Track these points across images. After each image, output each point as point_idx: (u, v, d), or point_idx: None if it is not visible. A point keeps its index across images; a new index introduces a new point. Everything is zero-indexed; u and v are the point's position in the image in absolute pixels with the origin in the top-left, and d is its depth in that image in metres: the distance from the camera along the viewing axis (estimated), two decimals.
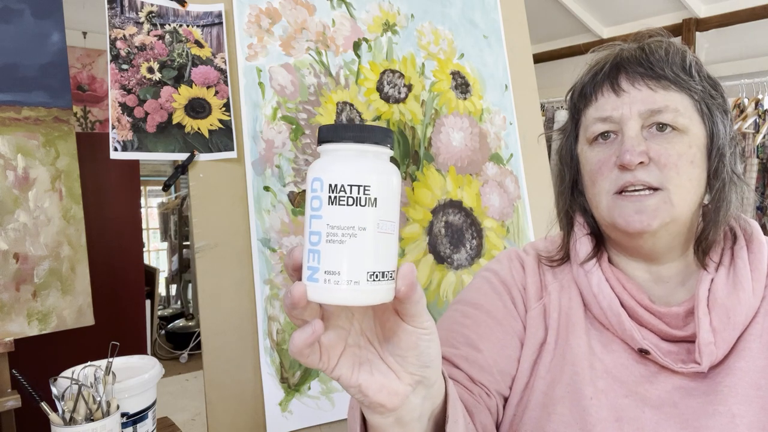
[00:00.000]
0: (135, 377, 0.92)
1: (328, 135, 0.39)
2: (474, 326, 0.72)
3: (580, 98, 0.71)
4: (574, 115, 0.72)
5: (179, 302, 5.18)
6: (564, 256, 0.75)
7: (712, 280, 0.64)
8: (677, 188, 0.62)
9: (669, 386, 0.63)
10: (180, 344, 4.34)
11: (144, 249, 4.86)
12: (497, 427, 0.70)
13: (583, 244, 0.72)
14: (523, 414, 0.68)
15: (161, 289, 5.09)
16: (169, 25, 1.10)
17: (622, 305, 0.66)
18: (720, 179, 0.64)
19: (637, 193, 0.63)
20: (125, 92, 1.04)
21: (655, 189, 0.62)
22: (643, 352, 0.65)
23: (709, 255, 0.65)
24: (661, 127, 0.63)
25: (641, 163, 0.62)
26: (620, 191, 0.64)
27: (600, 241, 0.73)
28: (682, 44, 0.68)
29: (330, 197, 0.37)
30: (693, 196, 0.63)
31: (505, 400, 0.71)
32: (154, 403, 0.97)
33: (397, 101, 1.33)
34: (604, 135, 0.66)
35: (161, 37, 1.08)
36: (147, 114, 1.05)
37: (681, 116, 0.63)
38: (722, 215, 0.64)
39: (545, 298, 0.74)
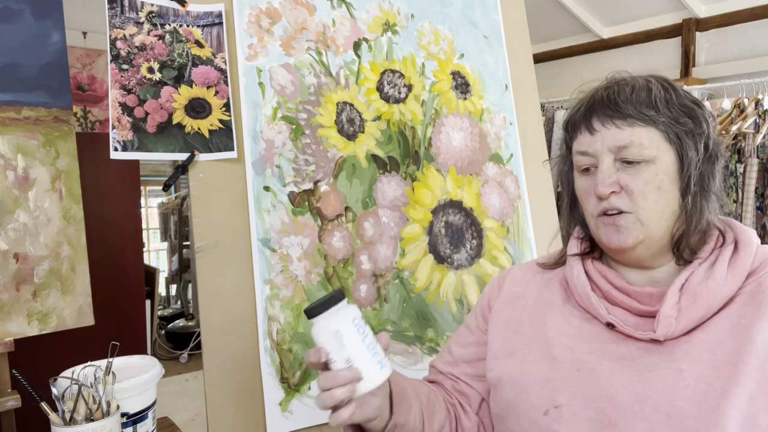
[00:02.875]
0: (135, 377, 0.92)
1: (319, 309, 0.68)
2: (455, 336, 0.96)
3: (566, 133, 0.82)
4: (568, 144, 0.83)
5: (179, 302, 5.18)
6: (560, 259, 0.88)
7: (693, 272, 0.73)
8: (645, 211, 0.72)
9: (633, 347, 0.73)
10: (180, 344, 4.33)
11: (144, 249, 4.86)
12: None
13: (572, 246, 0.85)
14: (502, 374, 0.82)
15: (161, 289, 5.08)
16: (169, 25, 1.10)
17: (600, 289, 0.78)
18: (690, 196, 0.73)
19: (613, 216, 0.74)
20: (125, 92, 1.04)
21: (626, 212, 0.73)
22: (609, 326, 0.75)
23: (694, 254, 0.74)
24: (629, 161, 0.73)
25: (614, 192, 0.73)
26: (601, 214, 0.75)
27: (594, 245, 0.84)
28: (647, 78, 0.76)
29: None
30: (662, 214, 0.73)
31: (480, 379, 0.88)
32: (154, 403, 0.97)
33: (397, 101, 1.33)
34: (587, 169, 0.77)
35: (161, 37, 1.08)
36: (147, 114, 1.05)
37: (646, 149, 0.72)
38: (693, 226, 0.73)
39: (521, 289, 0.90)
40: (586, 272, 0.80)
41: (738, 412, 0.61)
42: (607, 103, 0.75)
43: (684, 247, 0.73)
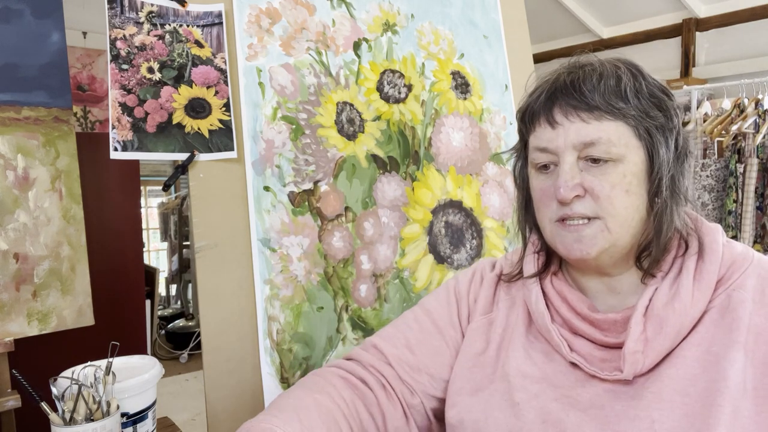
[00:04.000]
0: (135, 377, 0.92)
1: None
2: (418, 331, 0.83)
3: (523, 124, 0.73)
4: (523, 137, 0.75)
5: (179, 302, 5.18)
6: (520, 272, 0.80)
7: (657, 289, 0.66)
8: (612, 217, 0.65)
9: (600, 390, 0.66)
10: (180, 344, 4.33)
11: (144, 249, 4.86)
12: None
13: (528, 263, 0.77)
14: (465, 416, 0.74)
15: (161, 289, 5.08)
16: (169, 25, 1.10)
17: (561, 316, 0.71)
18: (661, 200, 0.65)
19: (575, 222, 0.66)
20: (125, 92, 1.04)
21: (592, 218, 0.65)
22: (572, 365, 0.69)
23: (658, 266, 0.67)
24: (595, 159, 0.65)
25: (577, 196, 0.65)
26: (561, 220, 0.67)
27: (552, 256, 0.76)
28: (615, 64, 0.68)
29: None
30: (630, 221, 0.66)
31: (439, 401, 0.80)
32: (154, 403, 0.97)
33: (397, 101, 1.33)
34: (546, 166, 0.69)
35: (161, 37, 1.08)
36: (147, 114, 1.05)
37: (614, 146, 0.64)
38: (663, 234, 0.66)
39: (494, 313, 0.80)
40: (546, 294, 0.73)
41: None
42: (571, 92, 0.66)
43: (647, 258, 0.67)
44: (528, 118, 0.71)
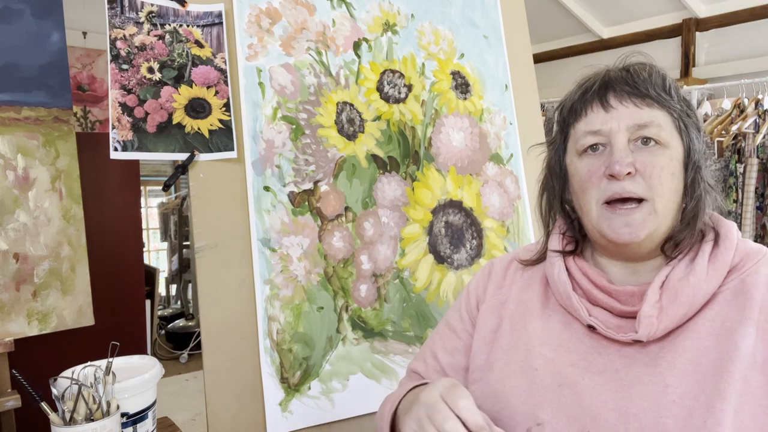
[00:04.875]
0: (135, 377, 0.92)
1: None
2: (438, 340, 0.90)
3: (570, 113, 0.76)
4: (563, 129, 0.78)
5: (179, 302, 5.18)
6: (541, 256, 0.84)
7: (673, 268, 0.70)
8: (660, 198, 0.68)
9: (615, 356, 0.70)
10: (180, 344, 4.33)
11: (144, 249, 4.86)
12: None
13: (552, 241, 0.81)
14: (485, 388, 0.78)
15: (161, 289, 5.08)
16: (169, 25, 1.10)
17: (581, 288, 0.75)
18: (698, 189, 0.70)
19: (625, 206, 0.69)
20: (125, 92, 1.04)
21: (641, 200, 0.68)
22: (590, 328, 0.72)
23: (678, 249, 0.71)
24: (646, 140, 0.69)
25: (629, 173, 0.68)
26: (609, 201, 0.70)
27: (577, 241, 0.81)
28: (659, 68, 0.75)
29: None
30: (673, 204, 0.70)
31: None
32: (154, 403, 0.97)
33: (397, 101, 1.33)
34: (594, 147, 0.72)
35: (161, 37, 1.08)
36: (147, 114, 1.05)
37: (663, 131, 0.69)
38: (698, 222, 0.70)
39: (504, 292, 0.85)
40: (567, 269, 0.77)
41: (725, 429, 0.59)
42: (626, 80, 0.71)
43: (671, 243, 0.70)
44: (579, 105, 0.75)
